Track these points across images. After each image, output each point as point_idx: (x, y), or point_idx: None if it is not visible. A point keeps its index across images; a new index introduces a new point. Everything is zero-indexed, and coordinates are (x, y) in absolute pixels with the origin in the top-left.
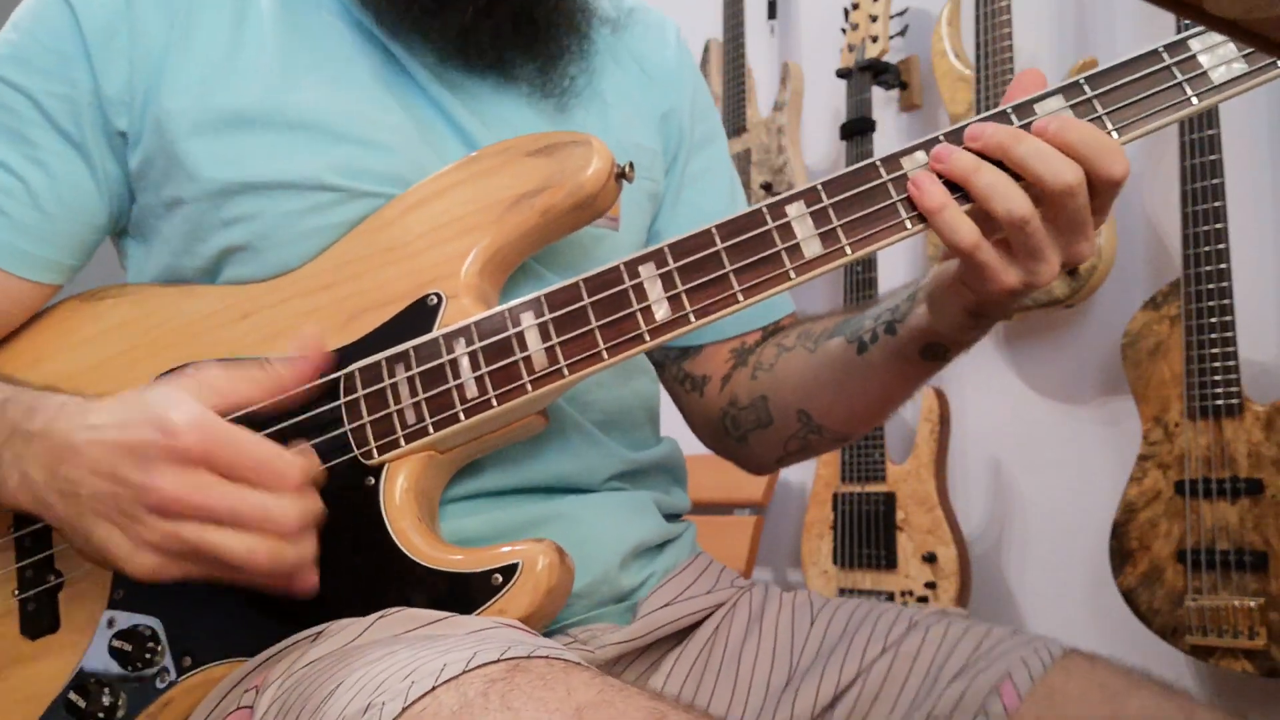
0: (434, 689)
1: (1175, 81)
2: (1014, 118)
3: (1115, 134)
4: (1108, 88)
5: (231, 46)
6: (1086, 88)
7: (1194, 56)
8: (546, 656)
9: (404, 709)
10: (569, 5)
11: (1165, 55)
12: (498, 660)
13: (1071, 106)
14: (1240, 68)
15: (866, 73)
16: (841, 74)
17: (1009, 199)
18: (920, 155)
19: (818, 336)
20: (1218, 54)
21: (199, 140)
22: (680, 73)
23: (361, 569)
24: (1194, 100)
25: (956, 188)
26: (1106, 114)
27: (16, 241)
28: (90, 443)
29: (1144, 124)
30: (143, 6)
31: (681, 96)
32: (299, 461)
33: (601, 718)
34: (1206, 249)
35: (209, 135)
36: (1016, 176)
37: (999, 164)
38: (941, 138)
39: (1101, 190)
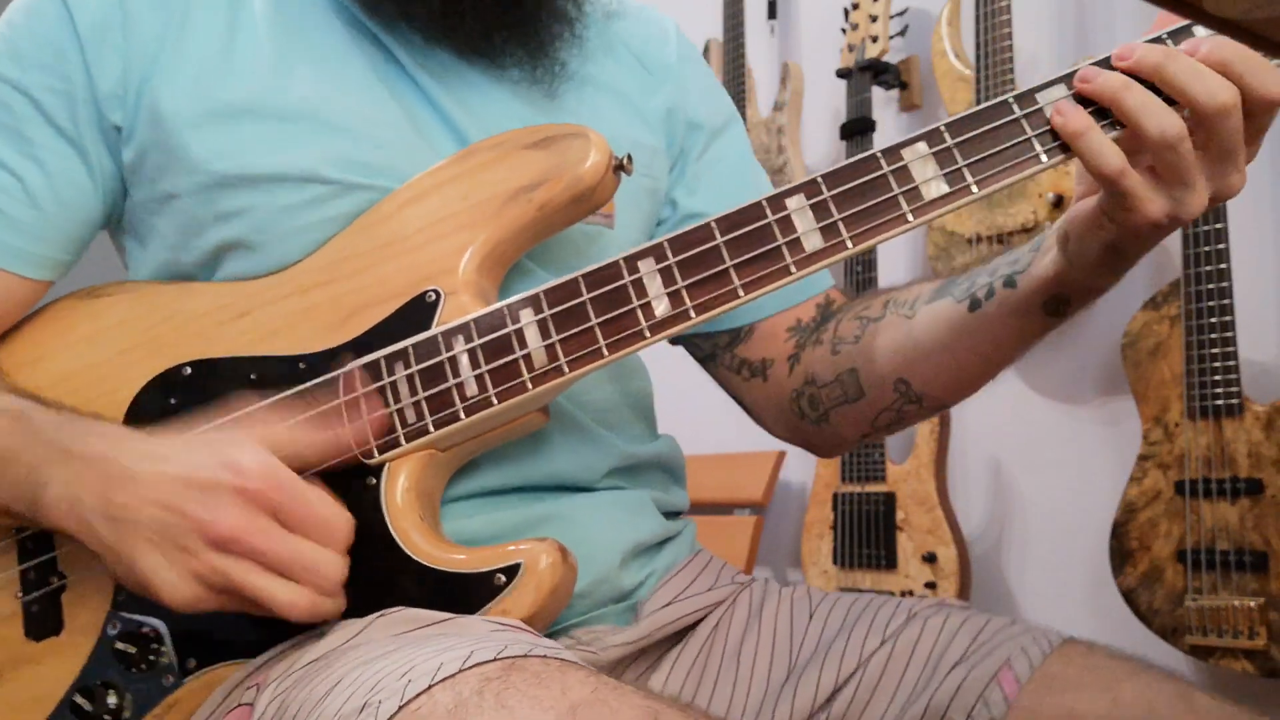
0: (430, 688)
1: None
2: (1016, 106)
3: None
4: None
5: (226, 40)
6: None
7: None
8: (543, 655)
9: (400, 707)
10: None
11: (1169, 41)
12: (494, 659)
13: (1074, 95)
14: None
15: (866, 73)
16: (841, 74)
17: (1161, 117)
18: (921, 146)
19: (914, 302)
20: None
21: (194, 133)
22: (683, 67)
23: (364, 569)
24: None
25: (1103, 114)
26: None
27: (12, 239)
28: (154, 473)
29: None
30: (136, 2)
31: (686, 91)
32: (349, 522)
33: (595, 716)
34: (1206, 249)
35: (204, 128)
36: (1168, 101)
37: (1149, 87)
38: (943, 128)
39: (1258, 112)
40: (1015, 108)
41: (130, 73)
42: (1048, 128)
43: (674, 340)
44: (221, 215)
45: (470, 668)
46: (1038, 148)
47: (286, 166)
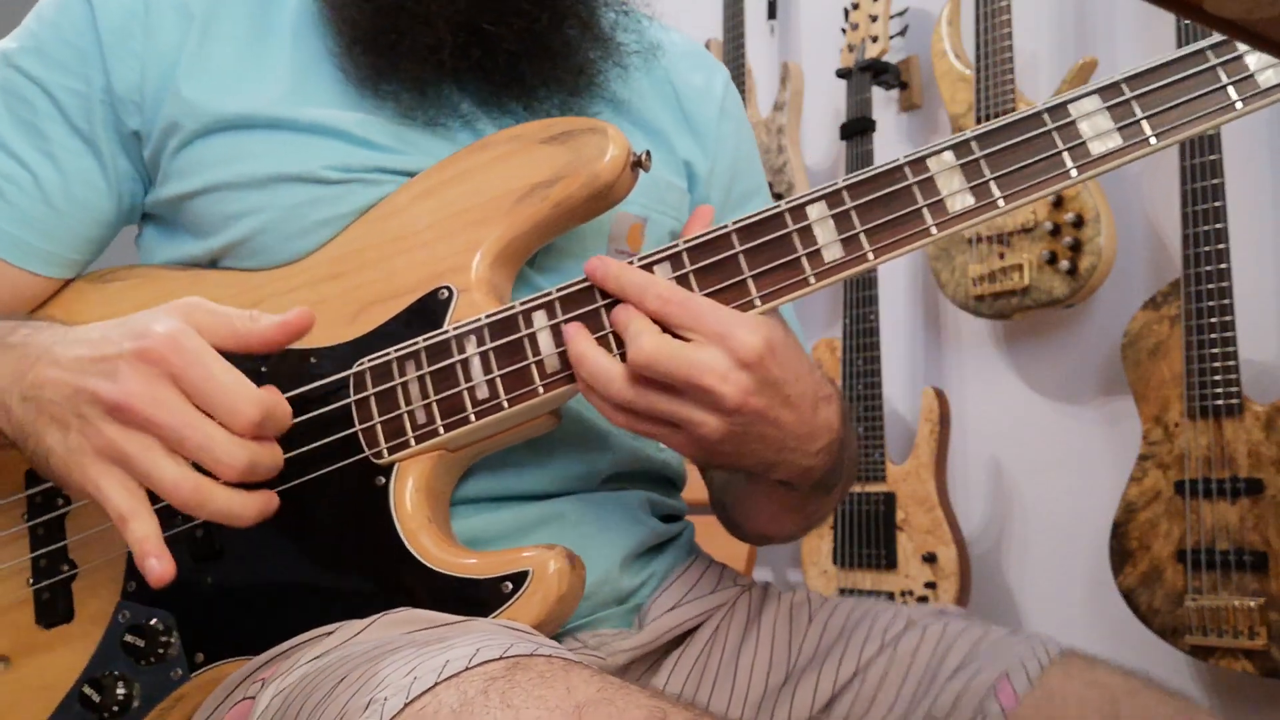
0: (435, 686)
1: (1220, 85)
2: (1048, 118)
3: (1154, 139)
4: (1147, 89)
5: (248, 52)
6: (1125, 88)
7: (1240, 57)
8: (548, 655)
9: (405, 705)
10: (578, 50)
11: (1211, 55)
12: (499, 658)
13: (1109, 108)
14: None
15: (866, 73)
16: (841, 74)
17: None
18: (948, 156)
19: None
20: (1265, 56)
21: (207, 139)
22: (723, 125)
23: (371, 570)
24: (1239, 104)
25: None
26: (1146, 117)
27: (21, 233)
28: (65, 351)
29: (1185, 129)
30: (160, 11)
31: (719, 156)
32: (261, 401)
33: (601, 715)
34: (1206, 249)
35: (215, 135)
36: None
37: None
38: (972, 140)
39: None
40: (1047, 119)
41: (148, 80)
42: (1080, 142)
43: None
44: (231, 216)
45: (475, 666)
46: (1069, 162)
47: (297, 168)
